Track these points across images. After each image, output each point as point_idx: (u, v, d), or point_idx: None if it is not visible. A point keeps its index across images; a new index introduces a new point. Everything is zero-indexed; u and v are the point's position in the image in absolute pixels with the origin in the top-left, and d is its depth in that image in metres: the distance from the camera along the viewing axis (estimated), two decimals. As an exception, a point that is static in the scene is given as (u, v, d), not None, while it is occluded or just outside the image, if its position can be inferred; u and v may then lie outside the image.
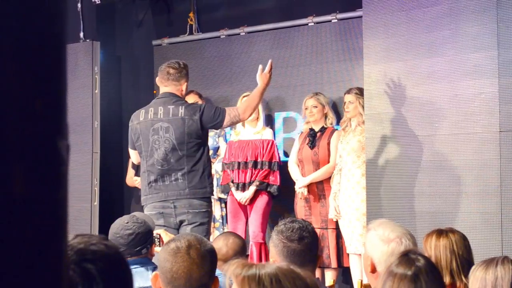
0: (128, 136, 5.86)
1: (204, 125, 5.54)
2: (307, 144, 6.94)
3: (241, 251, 4.15)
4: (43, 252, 1.01)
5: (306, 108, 6.98)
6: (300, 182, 6.87)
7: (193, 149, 5.52)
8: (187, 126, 5.50)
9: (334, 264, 6.71)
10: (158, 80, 5.72)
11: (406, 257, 2.75)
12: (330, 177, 6.80)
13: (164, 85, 5.64)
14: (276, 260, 3.27)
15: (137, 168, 7.48)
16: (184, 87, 5.67)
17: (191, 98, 7.37)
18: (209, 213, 5.63)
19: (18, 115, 0.99)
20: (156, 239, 4.27)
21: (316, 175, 6.83)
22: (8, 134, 0.98)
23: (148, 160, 5.54)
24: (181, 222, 5.45)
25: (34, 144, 1.00)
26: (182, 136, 5.49)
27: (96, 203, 7.56)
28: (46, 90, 1.03)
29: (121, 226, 4.10)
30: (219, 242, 4.11)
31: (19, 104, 0.99)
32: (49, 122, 1.02)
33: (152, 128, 5.52)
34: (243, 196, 7.02)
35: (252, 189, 7.02)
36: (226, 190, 7.25)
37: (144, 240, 4.11)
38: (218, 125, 5.67)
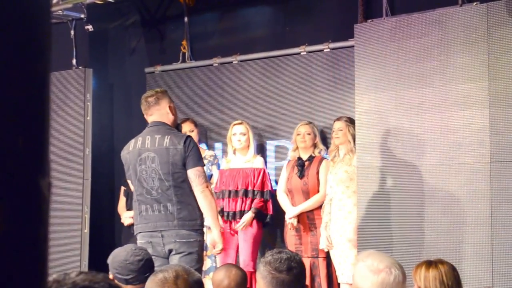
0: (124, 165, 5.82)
1: (185, 157, 5.46)
2: (295, 173, 6.92)
3: (243, 283, 4.11)
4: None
5: (298, 134, 6.96)
6: (290, 213, 6.85)
7: (179, 179, 5.44)
8: (171, 156, 5.42)
9: (325, 292, 6.69)
10: (144, 113, 5.64)
11: None
12: (320, 206, 6.78)
13: (149, 114, 5.61)
14: (264, 291, 3.25)
15: (127, 195, 7.48)
16: (168, 109, 5.60)
17: (186, 126, 7.37)
18: (198, 243, 5.51)
19: None
20: None
21: (307, 205, 6.82)
22: (-10, 172, 0.98)
23: (137, 190, 5.52)
24: (170, 251, 5.42)
25: (16, 182, 1.00)
26: (167, 166, 5.42)
27: (86, 230, 7.53)
28: (28, 128, 1.03)
29: (130, 253, 4.17)
30: (221, 274, 4.07)
31: (0, 142, 0.98)
32: (31, 160, 1.02)
33: (140, 158, 5.48)
34: (241, 224, 6.96)
35: (249, 215, 6.98)
36: None
37: (151, 266, 4.22)
38: (189, 166, 5.49)
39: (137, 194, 5.52)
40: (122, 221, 7.35)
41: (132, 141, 5.61)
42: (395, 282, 3.41)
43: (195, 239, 5.46)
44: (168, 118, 5.62)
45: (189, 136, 5.62)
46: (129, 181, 5.80)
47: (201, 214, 5.51)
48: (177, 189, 5.43)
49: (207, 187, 5.47)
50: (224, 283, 3.98)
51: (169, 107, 5.60)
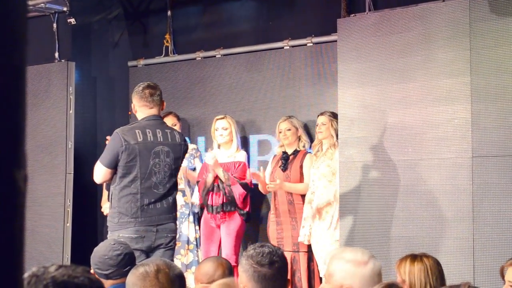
0: (103, 153, 5.55)
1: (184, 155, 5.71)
2: (279, 166, 6.94)
3: (229, 275, 4.11)
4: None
5: (280, 132, 6.98)
6: (275, 184, 6.76)
7: (178, 174, 5.62)
8: (182, 152, 5.58)
9: (305, 287, 6.69)
10: (139, 104, 5.51)
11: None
12: (302, 196, 6.78)
13: (150, 108, 5.52)
14: (247, 285, 3.25)
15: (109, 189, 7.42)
16: (164, 106, 5.70)
17: (169, 120, 7.33)
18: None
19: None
20: None
21: (294, 186, 6.80)
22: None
23: (144, 183, 5.38)
24: (159, 245, 5.41)
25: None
26: (178, 162, 5.53)
27: (69, 224, 7.51)
28: (4, 120, 1.02)
29: (109, 247, 4.18)
30: (207, 265, 4.06)
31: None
32: (7, 152, 1.01)
33: (153, 151, 5.42)
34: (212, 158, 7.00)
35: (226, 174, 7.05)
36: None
37: (131, 260, 4.21)
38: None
39: (143, 187, 5.41)
40: (102, 210, 7.31)
41: (138, 131, 5.44)
42: (378, 272, 3.42)
43: (177, 234, 5.55)
44: (161, 114, 5.72)
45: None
46: (106, 170, 5.47)
47: None
48: (175, 184, 5.57)
49: None
50: (218, 273, 3.96)
51: (164, 104, 5.69)
